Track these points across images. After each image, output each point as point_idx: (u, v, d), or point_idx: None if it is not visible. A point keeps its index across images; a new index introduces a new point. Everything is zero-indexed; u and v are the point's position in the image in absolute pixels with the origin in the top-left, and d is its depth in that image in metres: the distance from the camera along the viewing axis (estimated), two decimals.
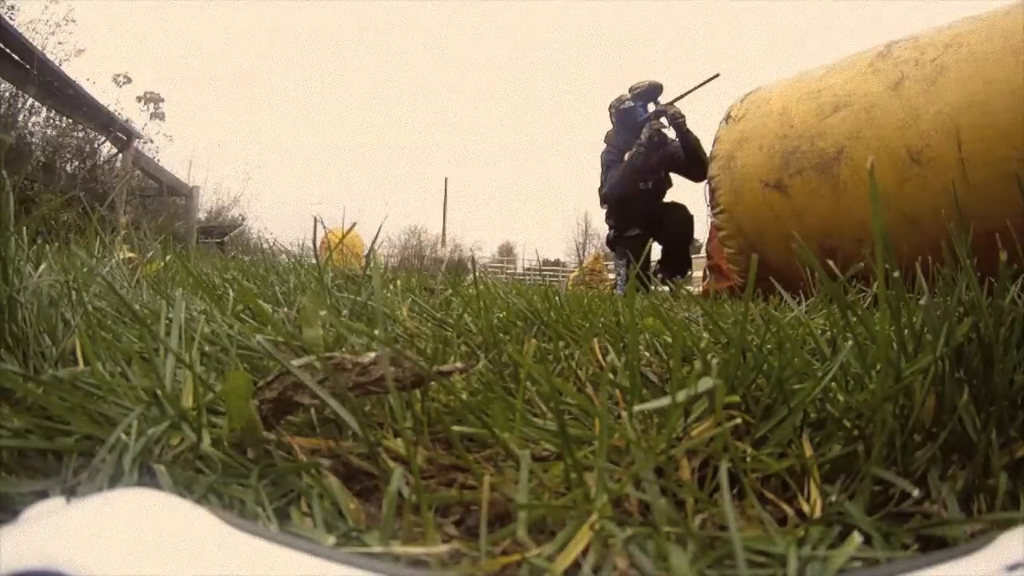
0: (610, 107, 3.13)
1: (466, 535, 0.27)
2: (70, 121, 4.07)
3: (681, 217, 2.97)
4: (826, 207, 1.94)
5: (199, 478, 0.28)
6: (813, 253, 0.37)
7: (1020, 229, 0.45)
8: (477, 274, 0.84)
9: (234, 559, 0.18)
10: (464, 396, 0.37)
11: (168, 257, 0.90)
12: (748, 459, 0.32)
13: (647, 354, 0.55)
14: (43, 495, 0.26)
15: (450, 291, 0.90)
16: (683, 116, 2.77)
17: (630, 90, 2.98)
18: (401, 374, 0.34)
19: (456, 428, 0.33)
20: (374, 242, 0.67)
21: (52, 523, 0.18)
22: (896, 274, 0.34)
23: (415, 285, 0.95)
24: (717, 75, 2.46)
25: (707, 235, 2.70)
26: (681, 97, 2.76)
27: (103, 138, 4.27)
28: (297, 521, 0.27)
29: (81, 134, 4.19)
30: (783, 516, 0.29)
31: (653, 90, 2.90)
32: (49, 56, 3.96)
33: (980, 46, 1.67)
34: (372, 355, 0.35)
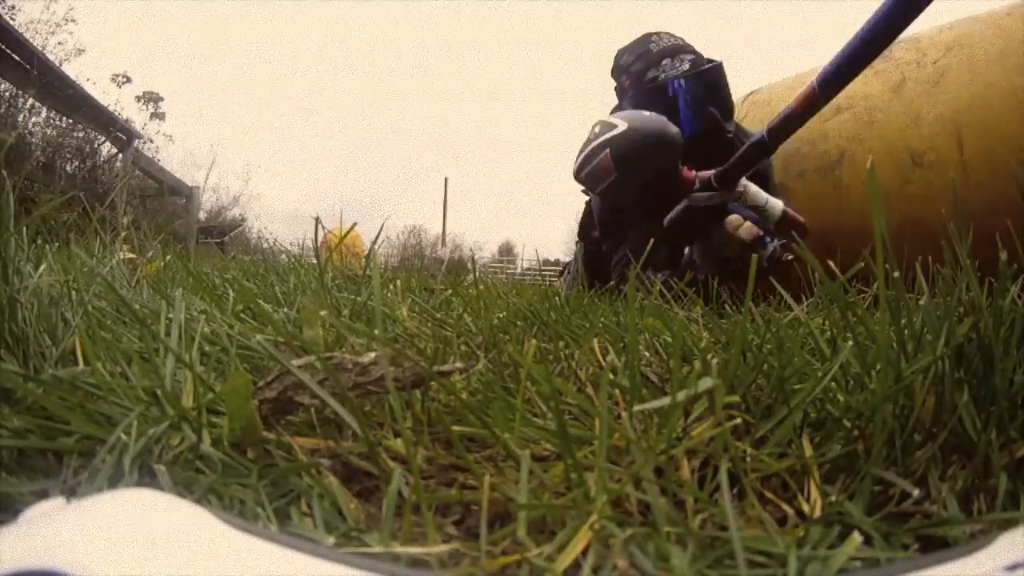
0: (620, 70, 1.45)
1: (466, 535, 0.27)
2: (70, 121, 4.07)
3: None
4: (828, 209, 1.94)
5: (199, 478, 0.28)
6: (814, 254, 0.37)
7: (1021, 230, 0.45)
8: (477, 274, 0.84)
9: (234, 559, 0.18)
10: (464, 396, 0.37)
11: (168, 257, 0.90)
12: (748, 459, 0.32)
13: (647, 354, 0.55)
14: (43, 495, 0.26)
15: (450, 291, 0.90)
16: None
17: (652, 49, 1.37)
18: (401, 374, 0.34)
19: (456, 428, 0.33)
20: (374, 242, 0.67)
21: (52, 523, 0.18)
22: (896, 274, 0.34)
23: (415, 285, 0.95)
24: None
25: None
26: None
27: (103, 138, 4.27)
28: (297, 521, 0.27)
29: (81, 134, 4.19)
30: (783, 516, 0.29)
31: (709, 75, 1.32)
32: (49, 56, 3.97)
33: (981, 47, 1.67)
34: (372, 355, 0.35)
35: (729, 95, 1.36)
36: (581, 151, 1.12)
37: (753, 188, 1.08)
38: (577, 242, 1.95)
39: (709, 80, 1.33)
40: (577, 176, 1.14)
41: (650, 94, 1.35)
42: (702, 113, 1.30)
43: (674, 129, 1.07)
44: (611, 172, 1.06)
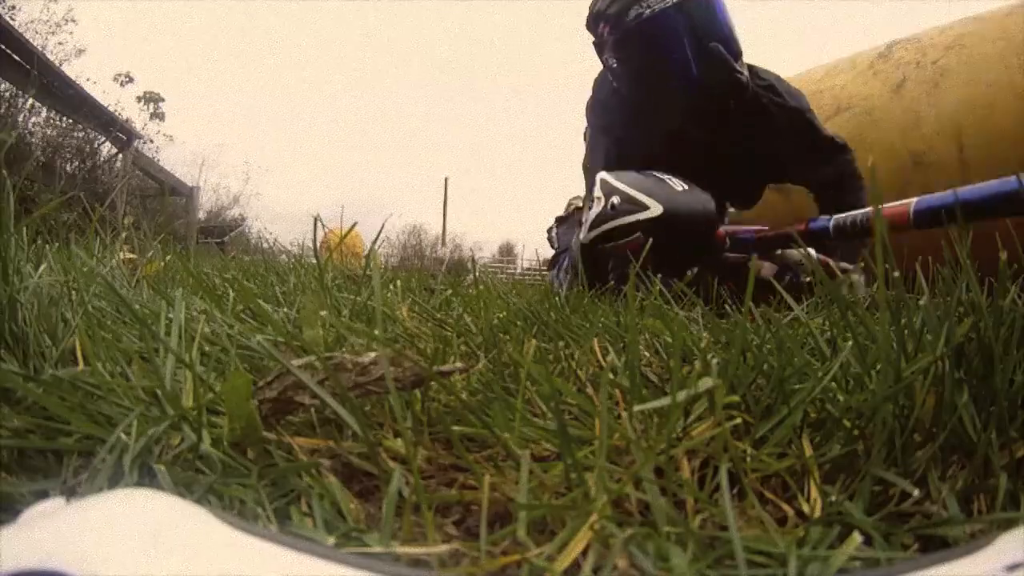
0: (596, 19, 1.18)
1: (466, 535, 0.27)
2: (70, 121, 4.08)
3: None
4: None
5: (199, 478, 0.28)
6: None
7: (1021, 230, 0.45)
8: (477, 274, 0.84)
9: (234, 559, 0.18)
10: (464, 396, 0.37)
11: (168, 257, 0.90)
12: (748, 459, 0.32)
13: (647, 354, 0.55)
14: (43, 495, 0.26)
15: (450, 291, 0.90)
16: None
17: None
18: (401, 374, 0.34)
19: (456, 428, 0.33)
20: (374, 242, 0.67)
21: (52, 523, 0.18)
22: (896, 274, 0.34)
23: (415, 285, 0.95)
24: None
25: None
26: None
27: (103, 138, 4.28)
28: (297, 521, 0.27)
29: (81, 134, 4.20)
30: (783, 516, 0.29)
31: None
32: (49, 56, 3.97)
33: (981, 47, 1.67)
34: (372, 355, 0.35)
35: (733, 29, 1.11)
36: (599, 222, 0.98)
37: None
38: (550, 228, 1.93)
39: (705, 9, 1.08)
40: (593, 245, 1.01)
41: (635, 37, 1.10)
42: (704, 52, 1.08)
43: (712, 204, 0.95)
44: (642, 251, 0.96)
